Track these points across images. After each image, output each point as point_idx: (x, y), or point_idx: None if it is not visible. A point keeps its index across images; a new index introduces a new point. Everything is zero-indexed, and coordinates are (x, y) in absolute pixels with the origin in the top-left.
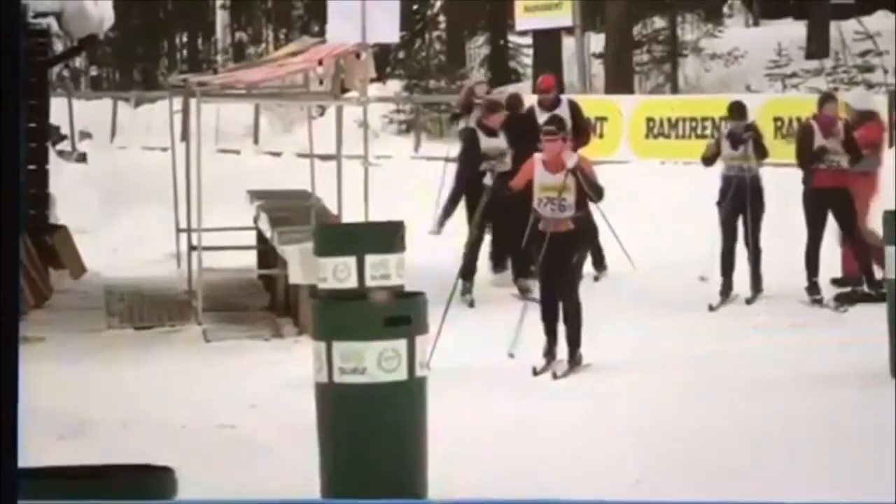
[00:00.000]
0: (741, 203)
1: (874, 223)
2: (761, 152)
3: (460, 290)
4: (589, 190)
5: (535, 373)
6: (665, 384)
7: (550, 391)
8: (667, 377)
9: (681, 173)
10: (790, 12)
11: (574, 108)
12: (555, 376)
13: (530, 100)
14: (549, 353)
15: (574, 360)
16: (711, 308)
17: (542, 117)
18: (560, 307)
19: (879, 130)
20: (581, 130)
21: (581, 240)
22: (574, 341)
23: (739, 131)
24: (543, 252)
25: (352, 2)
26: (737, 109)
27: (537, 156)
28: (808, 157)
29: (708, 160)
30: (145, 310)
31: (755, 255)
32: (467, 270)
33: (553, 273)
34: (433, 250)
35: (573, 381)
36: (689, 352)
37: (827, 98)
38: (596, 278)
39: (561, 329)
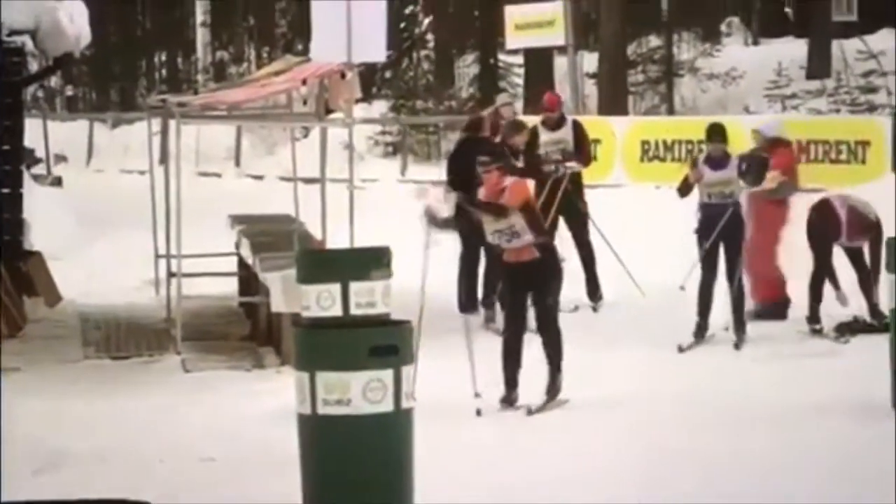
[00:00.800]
0: (722, 234)
1: (782, 257)
2: (758, 180)
3: (483, 317)
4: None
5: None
6: (652, 420)
7: (521, 430)
8: (654, 412)
9: (677, 198)
10: (791, 30)
11: (578, 129)
12: (529, 412)
13: (518, 118)
14: (508, 401)
15: (554, 388)
16: (681, 349)
17: (544, 136)
18: (524, 347)
19: (791, 157)
20: (584, 152)
21: (549, 269)
22: (555, 364)
23: (719, 155)
24: (508, 284)
25: (337, 20)
26: (715, 132)
27: (480, 193)
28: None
29: (686, 190)
30: (122, 339)
31: (739, 293)
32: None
33: (519, 307)
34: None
35: (547, 419)
36: (676, 387)
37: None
38: (594, 309)
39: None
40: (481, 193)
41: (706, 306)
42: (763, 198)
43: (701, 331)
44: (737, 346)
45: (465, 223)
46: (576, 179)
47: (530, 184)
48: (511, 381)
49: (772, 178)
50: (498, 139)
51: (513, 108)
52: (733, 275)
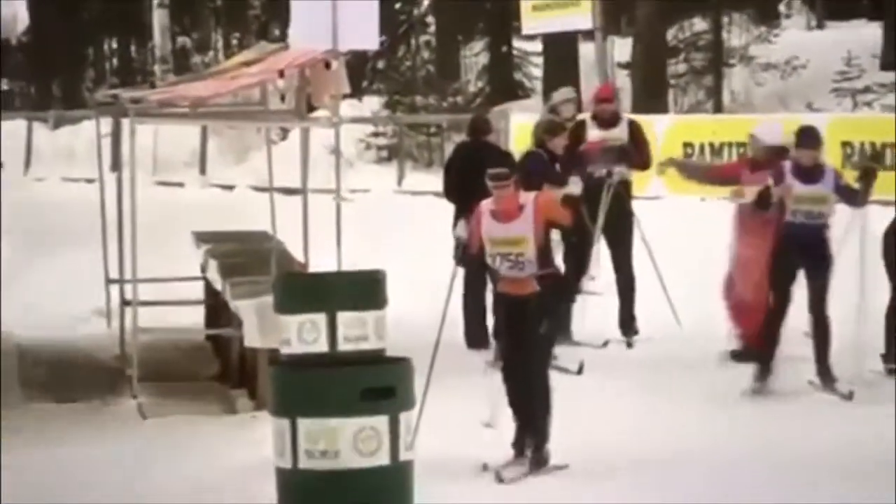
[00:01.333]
0: (804, 259)
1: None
2: (864, 198)
3: (495, 354)
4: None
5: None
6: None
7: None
8: (714, 478)
9: (726, 213)
10: (862, 12)
11: (635, 128)
12: (500, 479)
13: (525, 117)
14: (518, 445)
15: (538, 459)
16: (748, 393)
17: (594, 134)
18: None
19: None
20: (644, 153)
21: (547, 306)
22: (539, 433)
23: (810, 165)
24: (503, 319)
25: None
26: (808, 136)
27: (484, 204)
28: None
29: (766, 202)
30: (69, 379)
31: (823, 329)
32: None
33: (515, 347)
34: (420, 304)
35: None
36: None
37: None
38: (628, 344)
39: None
40: (489, 215)
41: (774, 341)
42: (754, 213)
43: (764, 372)
44: (830, 387)
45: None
46: (625, 189)
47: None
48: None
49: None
50: (561, 148)
51: (574, 106)
52: (820, 309)
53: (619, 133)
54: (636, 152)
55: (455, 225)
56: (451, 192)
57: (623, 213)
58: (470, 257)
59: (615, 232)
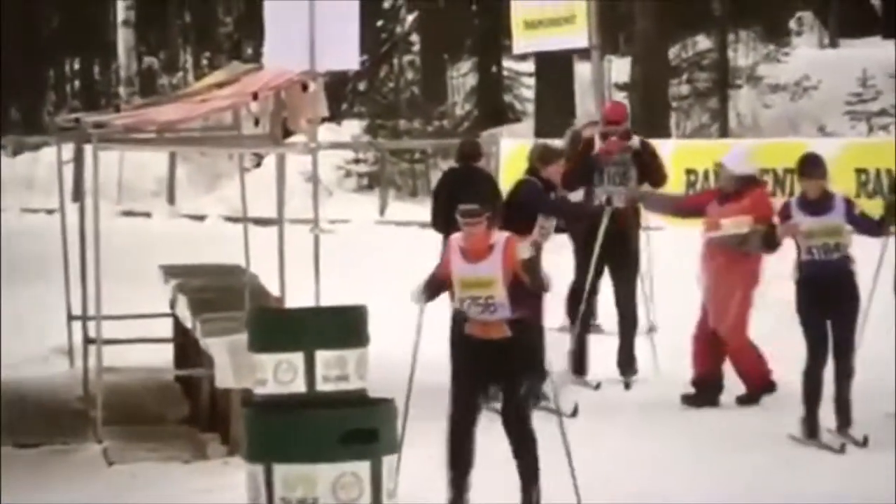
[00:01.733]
0: (828, 299)
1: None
2: (886, 228)
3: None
4: (531, 282)
5: None
6: None
7: None
8: None
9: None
10: (878, 30)
11: (647, 148)
12: None
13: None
14: None
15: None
16: (801, 439)
17: (606, 156)
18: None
19: (767, 202)
20: (658, 171)
21: (521, 353)
22: (530, 477)
23: (817, 195)
24: (468, 362)
25: (297, 17)
26: (811, 164)
27: (454, 239)
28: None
29: (774, 245)
30: (29, 422)
31: (846, 373)
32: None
33: (470, 393)
34: (404, 342)
35: None
36: None
37: None
38: (627, 385)
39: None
40: (458, 253)
41: (817, 393)
42: (727, 247)
43: (812, 428)
44: (839, 449)
45: None
46: (634, 217)
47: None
48: (459, 484)
49: (739, 222)
50: (557, 176)
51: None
52: (846, 354)
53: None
54: (650, 170)
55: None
56: (438, 220)
57: (628, 246)
58: (433, 285)
59: (618, 266)
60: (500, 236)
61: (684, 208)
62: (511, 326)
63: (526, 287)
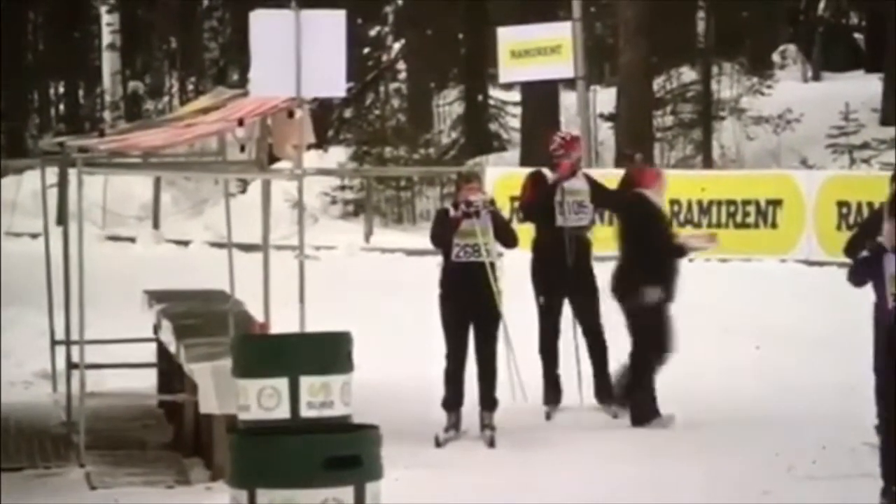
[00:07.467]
0: None
1: None
2: None
3: (480, 419)
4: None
5: None
6: None
7: None
8: None
9: (716, 274)
10: (861, 63)
11: (591, 180)
12: None
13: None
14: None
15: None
16: None
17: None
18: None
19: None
20: (606, 194)
21: None
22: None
23: None
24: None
25: (283, 43)
26: None
27: None
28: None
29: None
30: (11, 446)
31: None
32: None
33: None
34: (390, 369)
35: None
36: None
37: None
38: (614, 416)
39: None
40: None
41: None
42: None
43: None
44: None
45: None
46: (584, 243)
47: None
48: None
49: None
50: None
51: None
52: None
53: (580, 185)
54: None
55: None
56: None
57: (585, 271)
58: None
59: (577, 291)
60: None
61: None
62: None
63: None
